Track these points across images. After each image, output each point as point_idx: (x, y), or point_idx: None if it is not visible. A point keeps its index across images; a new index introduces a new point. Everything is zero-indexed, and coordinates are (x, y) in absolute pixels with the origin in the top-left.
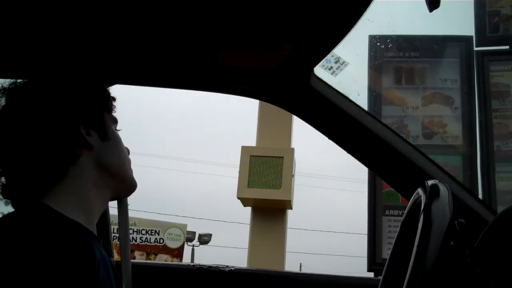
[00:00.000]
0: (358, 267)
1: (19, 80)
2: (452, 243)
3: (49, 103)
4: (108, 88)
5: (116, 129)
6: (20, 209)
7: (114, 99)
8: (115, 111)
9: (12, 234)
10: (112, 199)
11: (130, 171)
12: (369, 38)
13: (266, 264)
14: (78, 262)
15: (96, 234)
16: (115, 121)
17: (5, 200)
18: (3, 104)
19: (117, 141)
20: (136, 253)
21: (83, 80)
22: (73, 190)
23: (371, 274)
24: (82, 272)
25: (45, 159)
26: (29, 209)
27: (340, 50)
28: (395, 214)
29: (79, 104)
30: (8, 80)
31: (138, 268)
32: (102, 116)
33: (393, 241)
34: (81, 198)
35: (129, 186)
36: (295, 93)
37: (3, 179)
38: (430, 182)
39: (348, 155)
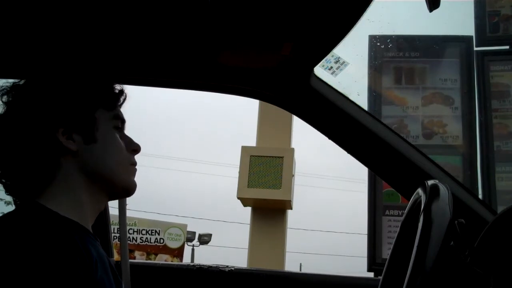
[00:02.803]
0: (358, 267)
1: (11, 80)
2: (452, 243)
3: (25, 108)
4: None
5: (119, 126)
6: (16, 209)
7: (121, 93)
8: (119, 106)
9: (8, 233)
10: (110, 200)
11: (124, 174)
12: (369, 38)
13: (266, 264)
14: (76, 260)
15: (92, 232)
16: (116, 117)
17: (5, 200)
18: None
19: (107, 142)
20: (136, 253)
21: (70, 79)
22: (65, 191)
23: (371, 274)
24: (79, 270)
25: (26, 164)
26: (24, 209)
27: (340, 50)
28: (395, 214)
29: (58, 107)
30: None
31: (138, 268)
32: (90, 115)
33: (393, 241)
34: (74, 200)
35: (123, 189)
36: (295, 93)
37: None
38: (430, 182)
39: (348, 155)
